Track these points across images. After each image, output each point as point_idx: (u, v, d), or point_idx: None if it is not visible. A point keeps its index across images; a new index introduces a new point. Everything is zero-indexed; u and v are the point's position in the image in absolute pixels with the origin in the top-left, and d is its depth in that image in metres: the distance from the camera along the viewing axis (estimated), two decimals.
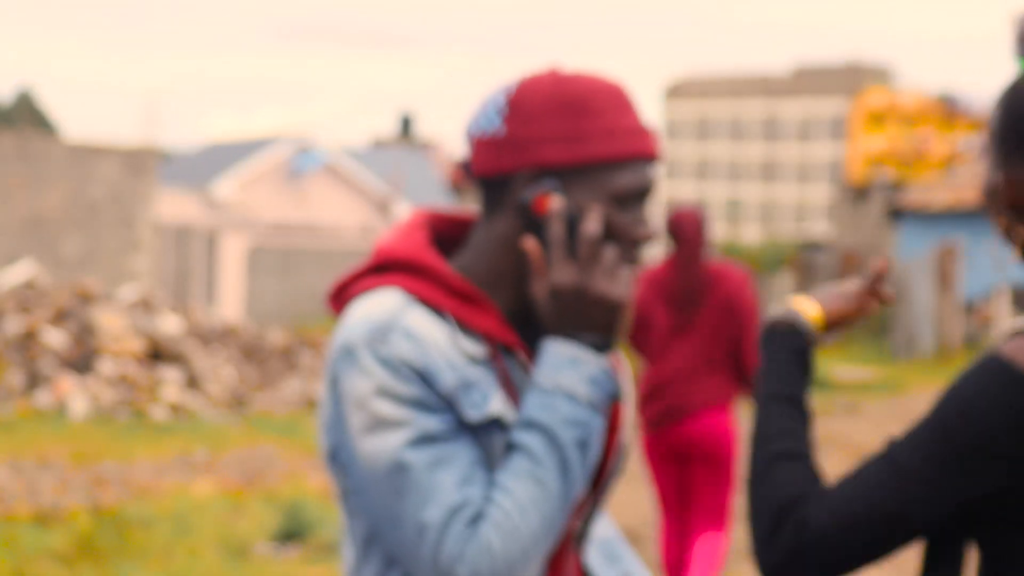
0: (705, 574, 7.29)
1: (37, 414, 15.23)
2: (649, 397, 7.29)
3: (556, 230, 2.20)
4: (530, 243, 2.22)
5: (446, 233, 2.40)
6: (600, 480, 2.35)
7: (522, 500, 2.13)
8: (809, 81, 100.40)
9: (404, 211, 48.18)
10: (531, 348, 2.31)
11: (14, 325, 16.49)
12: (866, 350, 30.25)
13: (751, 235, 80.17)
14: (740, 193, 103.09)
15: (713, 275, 7.19)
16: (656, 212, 7.68)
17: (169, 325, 17.53)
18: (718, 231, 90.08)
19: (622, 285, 2.22)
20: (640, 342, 7.32)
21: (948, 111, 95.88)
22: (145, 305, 18.10)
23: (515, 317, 2.29)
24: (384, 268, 2.28)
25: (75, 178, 23.75)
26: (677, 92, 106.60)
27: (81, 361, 16.28)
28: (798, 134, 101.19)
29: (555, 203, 2.20)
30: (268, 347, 19.55)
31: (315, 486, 11.55)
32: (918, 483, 2.05)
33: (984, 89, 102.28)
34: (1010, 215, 2.19)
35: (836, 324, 2.36)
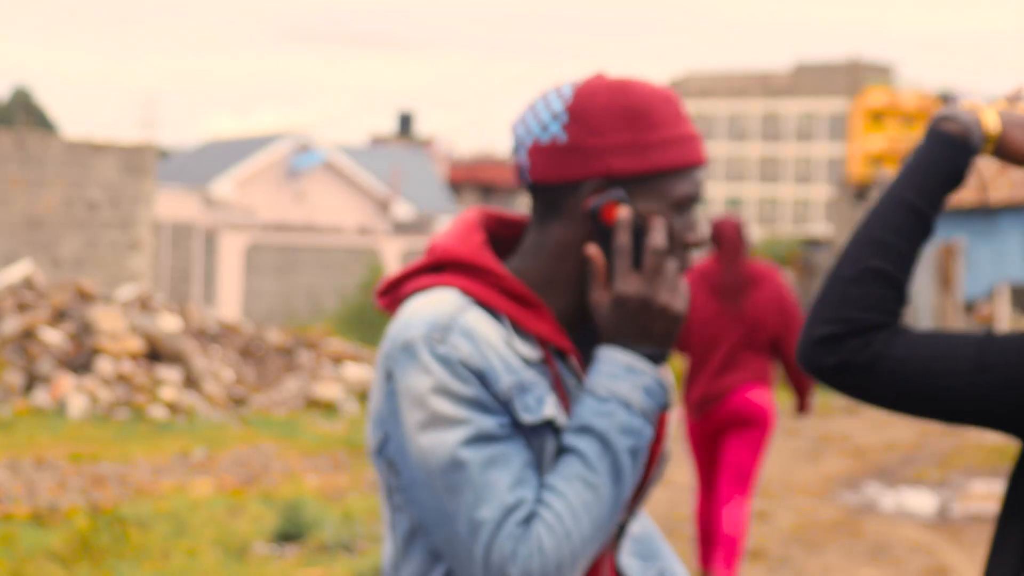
0: (731, 548, 7.93)
1: (35, 414, 15.21)
2: (693, 381, 8.09)
3: (623, 240, 2.23)
4: (594, 250, 2.24)
5: (498, 233, 2.41)
6: (642, 487, 2.37)
7: (574, 504, 2.16)
8: (809, 80, 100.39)
9: (403, 210, 48.17)
10: (582, 354, 2.33)
11: (12, 325, 16.46)
12: None
13: (751, 234, 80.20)
14: (740, 192, 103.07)
15: (754, 272, 8.12)
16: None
17: (167, 325, 17.50)
18: None
19: (683, 297, 2.26)
20: (686, 331, 8.03)
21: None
22: (143, 304, 18.07)
23: (567, 322, 2.31)
24: (441, 267, 2.30)
25: (73, 177, 23.72)
26: (677, 91, 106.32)
27: (79, 361, 16.25)
28: (798, 133, 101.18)
29: (623, 213, 2.23)
30: (267, 347, 19.52)
31: (313, 486, 11.53)
32: (993, 378, 2.05)
33: (984, 88, 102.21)
34: None
35: (1009, 155, 2.16)
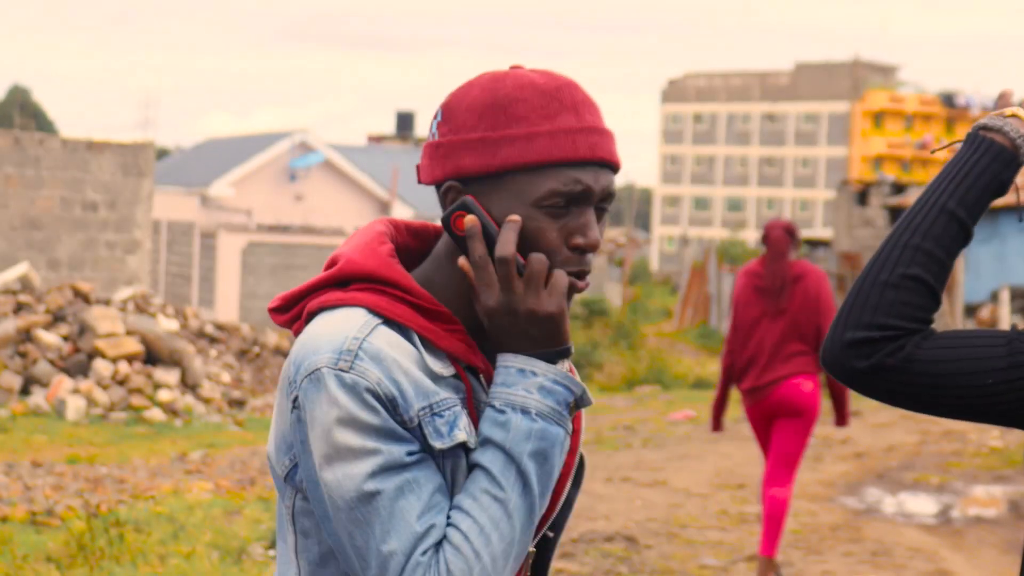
0: (774, 531, 8.73)
1: (32, 415, 15.17)
2: (745, 370, 8.77)
3: (474, 251, 2.14)
4: (463, 263, 2.17)
5: (406, 243, 2.33)
6: (558, 490, 2.28)
7: (482, 521, 2.10)
8: (810, 81, 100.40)
9: (402, 211, 48.13)
10: (493, 363, 2.25)
11: (9, 326, 16.42)
12: None
13: (751, 236, 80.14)
14: (740, 194, 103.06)
15: (797, 272, 8.70)
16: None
17: (165, 326, 17.46)
18: (717, 233, 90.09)
19: (552, 297, 2.15)
20: (737, 324, 8.78)
21: (948, 107, 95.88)
22: (141, 306, 18.03)
23: (476, 333, 2.23)
24: (347, 282, 2.21)
25: (70, 178, 23.67)
26: (677, 93, 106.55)
27: (77, 362, 16.20)
28: (799, 135, 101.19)
29: (469, 223, 2.14)
30: (264, 348, 19.48)
31: None
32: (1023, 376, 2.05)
33: (986, 90, 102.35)
34: None
35: None
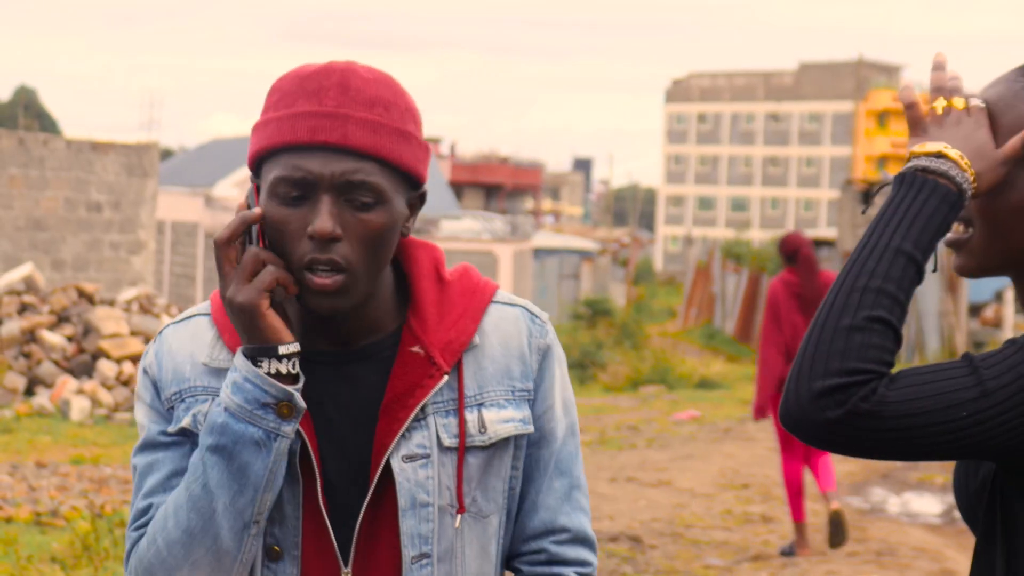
0: (829, 476, 9.77)
1: (37, 416, 15.17)
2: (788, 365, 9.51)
3: (218, 240, 2.18)
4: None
5: None
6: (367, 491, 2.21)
7: (167, 506, 2.16)
8: (814, 81, 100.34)
9: None
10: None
11: (14, 327, 16.42)
12: None
13: (755, 236, 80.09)
14: (744, 194, 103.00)
15: (828, 282, 9.39)
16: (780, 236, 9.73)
17: None
18: (721, 233, 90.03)
19: (250, 289, 2.11)
20: (777, 333, 9.57)
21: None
22: (145, 306, 18.03)
23: (305, 326, 2.23)
24: None
25: (75, 178, 23.68)
26: (681, 93, 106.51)
27: (81, 363, 16.21)
28: (803, 134, 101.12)
29: (238, 211, 2.15)
30: None
31: None
32: (995, 402, 1.99)
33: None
34: None
35: (980, 193, 2.12)
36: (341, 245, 2.11)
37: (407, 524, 2.19)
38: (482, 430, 2.23)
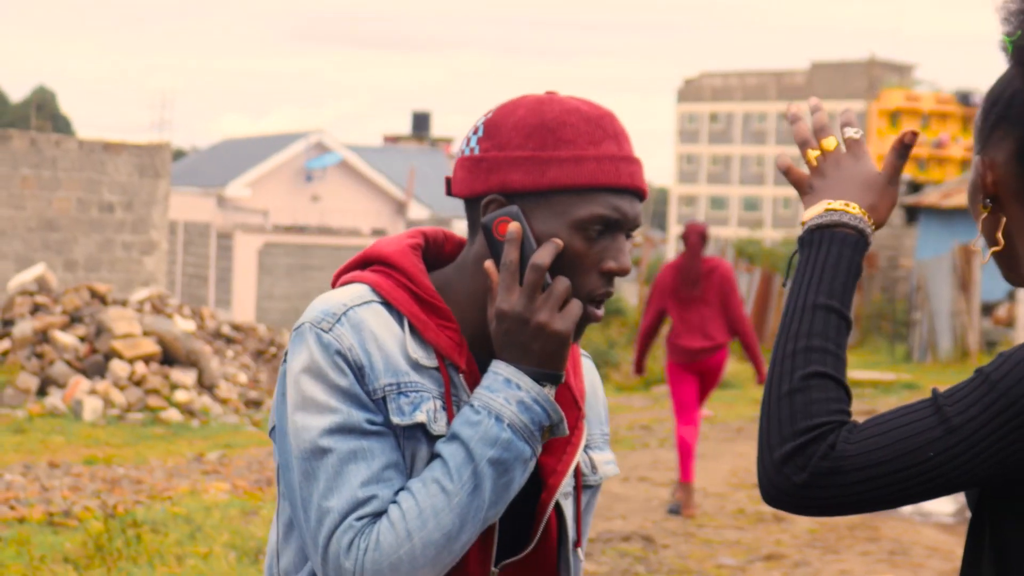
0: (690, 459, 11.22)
1: (49, 416, 15.20)
2: (676, 340, 11.23)
3: (509, 256, 2.21)
4: (490, 265, 2.24)
5: (449, 251, 2.42)
6: (536, 525, 2.30)
7: (423, 506, 2.15)
8: (826, 80, 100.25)
9: (418, 211, 48.11)
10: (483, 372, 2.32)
11: (26, 327, 16.45)
12: (883, 352, 30.13)
13: (768, 235, 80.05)
14: (756, 193, 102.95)
15: (712, 264, 11.29)
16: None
17: (182, 327, 17.48)
18: (734, 232, 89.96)
19: (566, 319, 2.21)
20: (667, 308, 11.32)
21: (964, 106, 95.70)
22: (157, 307, 18.05)
23: (477, 342, 2.30)
24: (365, 264, 2.34)
25: (87, 179, 23.71)
26: (693, 93, 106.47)
27: (93, 363, 16.23)
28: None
29: (512, 228, 2.21)
30: (281, 348, 19.49)
31: None
32: (963, 437, 1.97)
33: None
34: (986, 202, 2.13)
35: (882, 222, 2.17)
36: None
37: (563, 555, 2.36)
38: (594, 471, 2.43)
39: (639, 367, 12.04)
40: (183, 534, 9.42)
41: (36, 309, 17.04)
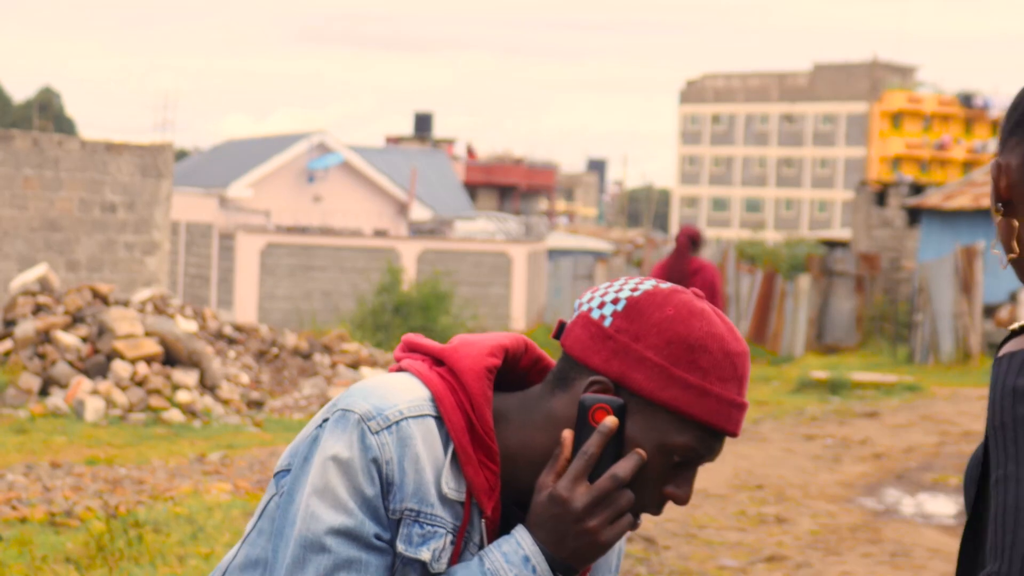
0: None
1: (51, 416, 15.20)
2: None
3: (591, 444, 2.15)
4: (568, 437, 2.17)
5: (521, 364, 2.33)
6: None
7: None
8: (828, 82, 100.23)
9: (420, 212, 48.11)
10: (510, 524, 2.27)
11: (28, 327, 16.45)
12: (885, 354, 30.11)
13: (770, 237, 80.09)
14: (758, 194, 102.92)
15: (697, 266, 12.11)
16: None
17: (184, 327, 17.48)
18: (736, 233, 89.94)
19: (614, 531, 2.17)
20: None
21: (966, 108, 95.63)
22: (159, 307, 18.06)
23: (520, 494, 2.25)
24: (436, 363, 2.25)
25: (89, 179, 23.72)
26: (695, 94, 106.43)
27: (95, 364, 16.23)
28: (817, 135, 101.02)
29: (609, 422, 2.16)
30: (283, 349, 19.49)
31: None
32: None
33: (1004, 89, 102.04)
34: (999, 207, 2.12)
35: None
36: None
37: None
38: None
39: None
40: (185, 534, 9.42)
41: (38, 309, 17.04)
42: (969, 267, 27.55)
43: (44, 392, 15.97)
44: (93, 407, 15.34)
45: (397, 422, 2.14)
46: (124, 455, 13.16)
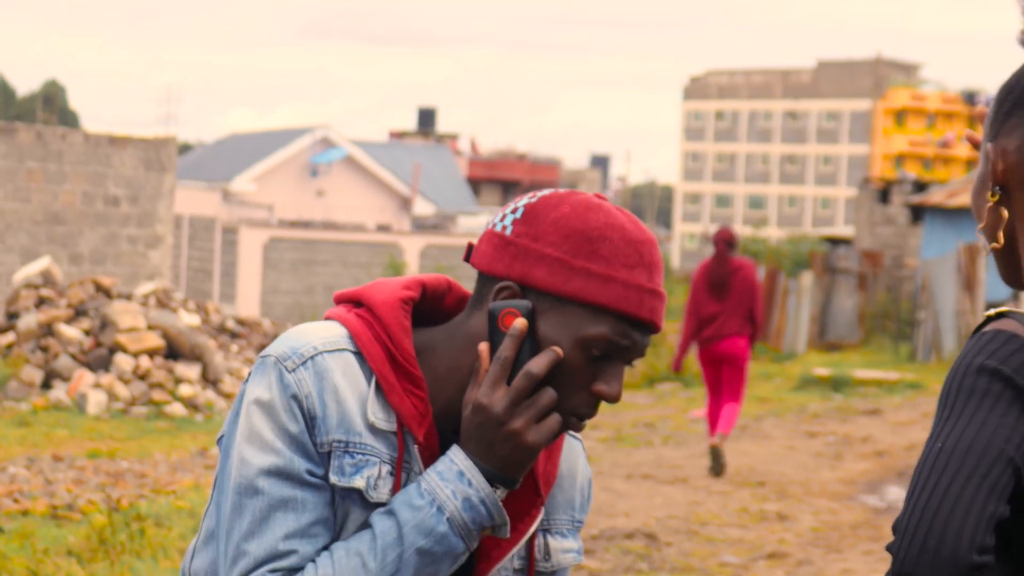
0: (728, 423, 12.78)
1: (54, 410, 15.21)
2: (700, 329, 12.80)
3: (504, 348, 2.14)
4: (484, 349, 2.17)
5: (444, 303, 2.34)
6: None
7: (339, 572, 2.11)
8: (832, 79, 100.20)
9: (423, 207, 48.11)
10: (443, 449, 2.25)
11: (31, 320, 16.46)
12: (887, 351, 30.11)
13: (773, 234, 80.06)
14: (762, 191, 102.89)
15: (737, 265, 12.83)
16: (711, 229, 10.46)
17: (186, 321, 17.49)
18: (739, 230, 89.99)
19: (541, 432, 2.15)
20: (694, 303, 12.83)
21: (970, 105, 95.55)
22: (162, 301, 18.06)
23: (453, 415, 2.23)
24: (359, 302, 2.27)
25: (92, 172, 23.73)
26: (698, 90, 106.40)
27: (98, 357, 16.24)
28: (820, 132, 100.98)
29: (518, 324, 2.14)
30: None
31: None
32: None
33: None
34: (995, 190, 2.10)
35: None
36: None
37: None
38: (547, 557, 2.34)
39: (678, 365, 13.65)
40: (186, 528, 9.43)
41: (41, 302, 17.05)
42: (972, 265, 27.54)
43: (46, 385, 15.98)
44: (95, 400, 15.34)
45: (312, 357, 2.15)
46: (126, 448, 13.17)
